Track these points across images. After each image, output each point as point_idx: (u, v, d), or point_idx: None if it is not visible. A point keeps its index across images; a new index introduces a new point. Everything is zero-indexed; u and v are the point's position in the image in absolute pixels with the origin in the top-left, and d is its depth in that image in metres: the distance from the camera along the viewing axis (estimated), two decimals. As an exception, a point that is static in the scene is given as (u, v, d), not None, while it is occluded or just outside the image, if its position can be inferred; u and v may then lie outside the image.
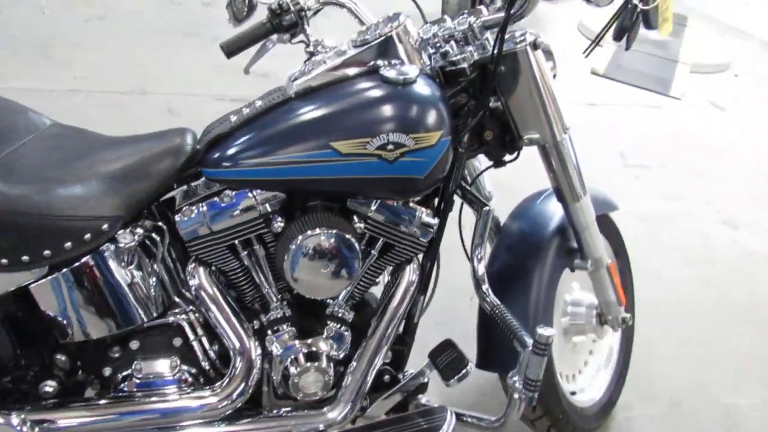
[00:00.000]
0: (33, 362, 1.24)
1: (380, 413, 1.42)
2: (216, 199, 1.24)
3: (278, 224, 1.26)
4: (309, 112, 1.21)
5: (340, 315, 1.38)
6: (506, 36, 1.26)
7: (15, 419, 1.11)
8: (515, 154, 1.44)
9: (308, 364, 1.31)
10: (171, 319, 1.31)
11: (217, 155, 1.21)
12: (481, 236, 1.42)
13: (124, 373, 1.29)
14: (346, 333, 1.38)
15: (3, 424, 1.11)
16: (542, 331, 1.19)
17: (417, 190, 1.29)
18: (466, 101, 1.37)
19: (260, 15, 1.50)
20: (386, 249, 1.39)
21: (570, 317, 1.72)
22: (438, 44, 1.36)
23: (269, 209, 1.26)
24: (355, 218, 1.30)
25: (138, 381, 1.29)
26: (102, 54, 3.73)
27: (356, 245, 1.24)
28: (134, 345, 1.30)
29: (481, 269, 1.41)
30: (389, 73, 1.22)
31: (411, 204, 1.37)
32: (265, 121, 1.23)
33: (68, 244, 1.12)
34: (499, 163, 1.48)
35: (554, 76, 1.49)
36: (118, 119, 3.09)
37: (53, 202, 1.11)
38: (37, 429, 1.14)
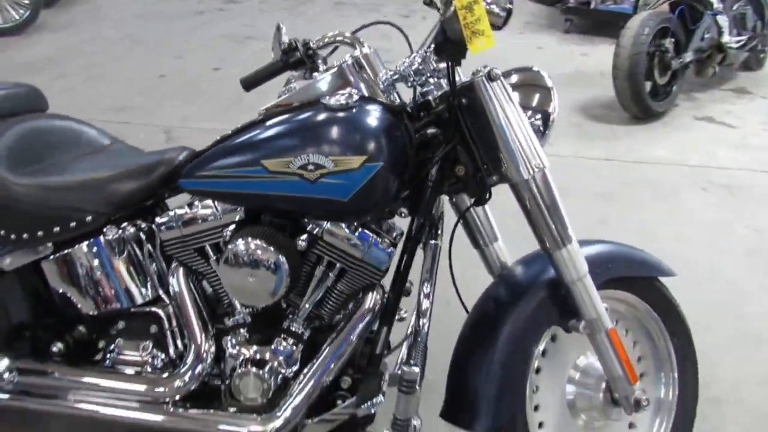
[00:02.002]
0: (48, 326, 1.54)
1: (317, 433, 1.42)
2: (186, 207, 1.43)
3: (227, 233, 1.39)
4: (253, 133, 1.33)
5: (293, 330, 1.44)
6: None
7: (4, 361, 1.40)
8: (486, 193, 1.36)
9: (249, 368, 1.39)
10: (152, 309, 1.51)
11: (188, 168, 1.40)
12: (428, 271, 1.36)
13: (109, 347, 1.52)
14: (295, 348, 1.43)
15: None
16: (407, 368, 1.10)
17: (343, 213, 1.31)
18: (434, 135, 1.36)
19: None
20: (343, 273, 1.42)
21: (577, 387, 1.50)
22: (410, 79, 1.38)
23: (226, 220, 1.40)
24: (303, 237, 1.37)
25: (116, 356, 1.50)
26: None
27: (281, 260, 1.30)
28: (120, 325, 1.52)
29: (425, 304, 1.35)
30: (328, 100, 1.29)
31: (368, 231, 1.39)
32: (227, 140, 1.38)
33: (56, 229, 1.40)
34: (478, 201, 1.41)
35: (549, 118, 1.40)
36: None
37: (50, 193, 1.40)
38: (17, 376, 1.42)
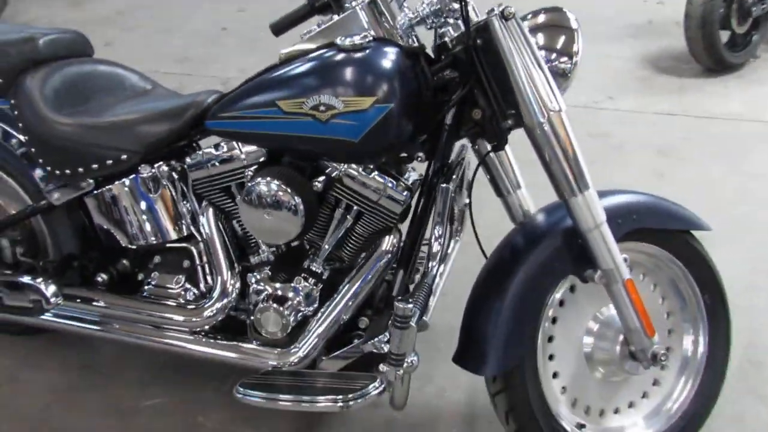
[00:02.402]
0: (93, 258, 1.66)
1: (332, 368, 1.47)
2: (213, 147, 1.49)
3: (249, 173, 1.44)
4: (270, 76, 1.36)
5: (313, 269, 1.49)
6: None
7: (41, 280, 1.54)
8: (503, 138, 1.34)
9: (270, 304, 1.45)
10: (185, 245, 1.60)
11: (213, 110, 1.45)
12: (440, 215, 1.36)
13: (147, 279, 1.62)
14: (314, 287, 1.48)
15: (30, 283, 1.54)
16: (401, 304, 1.12)
17: (355, 154, 1.33)
18: (452, 78, 1.35)
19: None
20: (360, 216, 1.45)
21: (595, 338, 1.48)
22: (428, 20, 1.36)
23: (250, 161, 1.45)
24: (320, 179, 1.40)
25: (153, 287, 1.61)
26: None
27: (297, 200, 1.34)
28: (156, 259, 1.62)
29: (436, 247, 1.36)
30: (342, 41, 1.30)
31: (381, 175, 1.41)
32: (249, 83, 1.42)
33: (95, 166, 1.49)
34: (496, 147, 1.39)
35: (572, 60, 1.35)
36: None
37: (88, 132, 1.49)
38: (63, 301, 1.55)
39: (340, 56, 1.29)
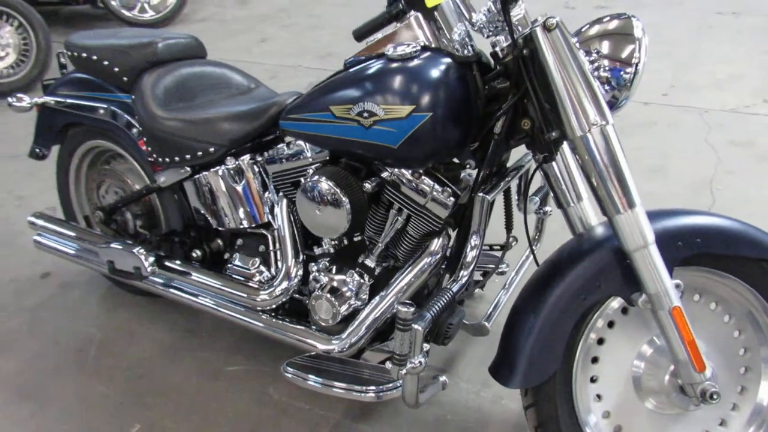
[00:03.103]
0: (190, 236, 1.89)
1: (374, 360, 1.55)
2: (285, 145, 1.62)
3: (310, 171, 1.55)
4: (330, 81, 1.45)
5: (367, 265, 1.58)
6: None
7: (143, 251, 1.78)
8: (551, 149, 1.31)
9: (324, 293, 1.57)
10: (263, 231, 1.76)
11: (285, 111, 1.58)
12: (477, 224, 1.37)
13: (230, 259, 1.82)
14: (366, 281, 1.57)
15: (133, 252, 1.79)
16: (402, 308, 1.15)
17: (395, 158, 1.37)
18: (504, 87, 1.35)
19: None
20: (410, 217, 1.50)
21: (647, 364, 1.39)
22: (484, 30, 1.36)
23: (314, 160, 1.56)
24: (371, 180, 1.48)
25: (234, 267, 1.80)
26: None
27: (344, 200, 1.43)
28: (239, 242, 1.81)
29: (470, 256, 1.36)
30: (392, 51, 1.35)
31: (430, 180, 1.44)
32: (315, 88, 1.53)
33: (187, 156, 1.70)
34: (546, 158, 1.37)
35: (634, 66, 1.29)
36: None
37: (183, 126, 1.70)
38: (150, 264, 1.78)
39: (386, 65, 1.34)
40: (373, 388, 1.42)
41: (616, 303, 1.38)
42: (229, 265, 1.81)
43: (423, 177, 1.44)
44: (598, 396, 1.42)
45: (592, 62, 1.31)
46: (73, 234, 2.03)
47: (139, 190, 1.93)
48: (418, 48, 1.34)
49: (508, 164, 1.56)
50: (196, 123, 1.69)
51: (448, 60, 1.34)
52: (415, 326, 1.19)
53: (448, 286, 1.33)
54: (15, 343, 2.12)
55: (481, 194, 1.37)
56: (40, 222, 2.09)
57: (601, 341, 1.41)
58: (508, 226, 1.61)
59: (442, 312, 1.27)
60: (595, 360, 1.41)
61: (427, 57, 1.34)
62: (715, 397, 1.28)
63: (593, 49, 1.33)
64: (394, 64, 1.34)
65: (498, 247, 1.79)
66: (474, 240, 1.38)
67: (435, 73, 1.31)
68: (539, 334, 1.31)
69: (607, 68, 1.31)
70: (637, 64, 1.29)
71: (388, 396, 1.40)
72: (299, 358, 1.55)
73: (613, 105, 1.35)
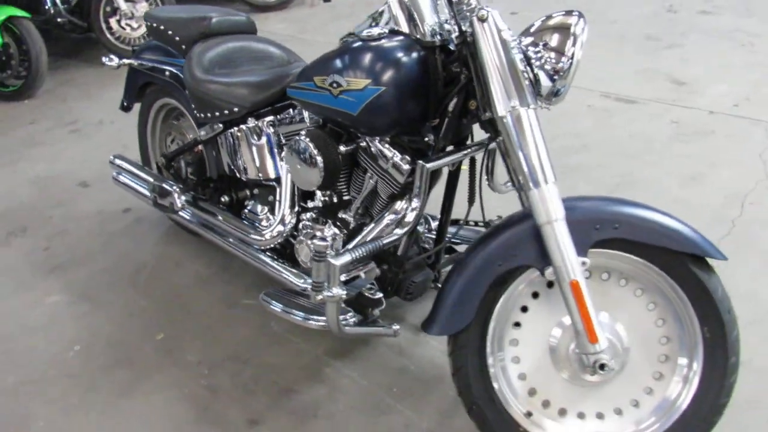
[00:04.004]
0: (220, 183, 2.24)
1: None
2: (292, 109, 1.90)
3: (303, 132, 1.81)
4: (319, 57, 1.69)
5: (344, 218, 1.82)
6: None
7: (177, 189, 2.14)
8: (486, 128, 1.47)
9: (304, 239, 1.83)
10: (274, 184, 2.05)
11: (292, 80, 1.85)
12: (416, 188, 1.56)
13: (247, 206, 2.13)
14: (339, 233, 1.81)
15: (169, 190, 2.15)
16: (318, 242, 1.38)
17: (356, 124, 1.59)
18: (458, 70, 1.53)
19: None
20: (378, 180, 1.72)
21: (563, 335, 1.51)
22: (450, 17, 1.54)
23: (310, 123, 1.82)
24: (345, 144, 1.71)
25: (249, 213, 2.11)
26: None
27: (318, 159, 1.68)
28: (255, 191, 2.12)
29: (410, 216, 1.57)
30: (359, 31, 1.57)
31: (394, 148, 1.65)
32: (310, 62, 1.77)
33: (217, 113, 2.03)
34: (490, 138, 1.53)
35: (569, 58, 1.41)
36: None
37: (215, 88, 2.02)
38: (181, 202, 2.14)
39: (355, 44, 1.57)
40: (314, 317, 1.66)
41: (537, 275, 1.50)
42: (245, 211, 2.13)
43: (387, 145, 1.65)
44: (517, 358, 1.56)
45: (537, 52, 1.44)
46: (137, 173, 2.45)
47: (188, 142, 2.30)
48: (386, 32, 1.55)
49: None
50: (226, 86, 2.01)
51: (410, 43, 1.53)
52: (331, 260, 1.42)
53: (379, 238, 1.54)
54: (90, 258, 2.59)
55: (421, 162, 1.55)
56: (117, 162, 2.54)
57: (525, 309, 1.54)
58: (470, 200, 1.77)
59: (364, 258, 1.49)
60: (517, 324, 1.55)
61: (391, 39, 1.54)
62: (605, 368, 1.38)
63: (541, 40, 1.46)
64: (361, 44, 1.55)
65: (482, 224, 1.94)
66: (414, 203, 1.56)
67: (394, 53, 1.51)
68: (458, 290, 1.48)
69: (552, 59, 1.44)
70: (571, 57, 1.41)
71: (313, 324, 1.65)
72: (274, 288, 1.83)
73: (557, 93, 1.47)
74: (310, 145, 1.69)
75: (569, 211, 1.41)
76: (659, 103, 3.45)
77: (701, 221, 2.24)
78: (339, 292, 1.46)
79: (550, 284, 1.52)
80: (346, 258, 1.45)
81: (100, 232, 2.77)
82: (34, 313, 2.32)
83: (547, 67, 1.43)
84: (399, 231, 1.57)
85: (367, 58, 1.53)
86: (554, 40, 1.44)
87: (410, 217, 1.57)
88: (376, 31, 1.55)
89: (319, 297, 1.47)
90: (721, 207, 2.51)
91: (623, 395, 1.52)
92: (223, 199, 2.21)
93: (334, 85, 1.58)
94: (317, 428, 1.77)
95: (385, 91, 1.50)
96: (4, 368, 2.07)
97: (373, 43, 1.54)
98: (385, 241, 1.54)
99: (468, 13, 1.45)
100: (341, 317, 1.60)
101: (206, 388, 1.93)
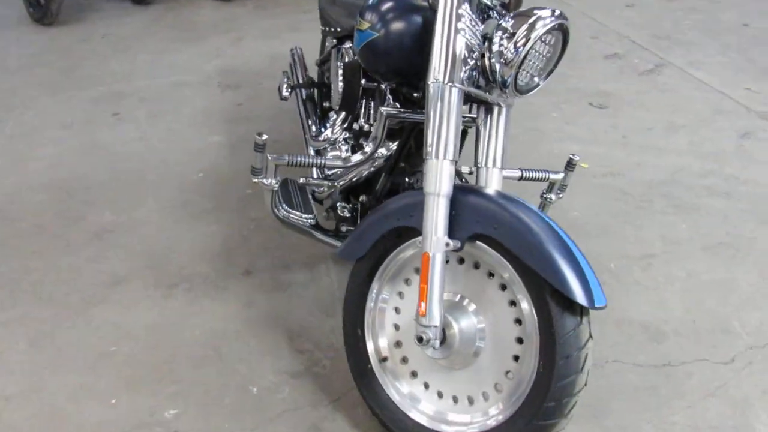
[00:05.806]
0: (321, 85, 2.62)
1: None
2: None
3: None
4: None
5: (346, 137, 2.13)
6: None
7: (287, 79, 2.59)
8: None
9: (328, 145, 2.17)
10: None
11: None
12: (374, 130, 1.74)
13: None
14: (344, 146, 2.13)
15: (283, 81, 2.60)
16: (258, 137, 1.66)
17: (360, 58, 1.78)
18: None
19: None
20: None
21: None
22: None
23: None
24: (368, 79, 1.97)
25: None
26: None
27: (339, 82, 1.97)
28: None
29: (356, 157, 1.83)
30: None
31: (389, 94, 1.86)
32: None
33: (329, 29, 2.36)
34: None
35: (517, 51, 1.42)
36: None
37: (332, 9, 2.33)
38: (288, 92, 2.57)
39: None
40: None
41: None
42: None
43: (388, 90, 1.83)
44: (398, 309, 1.67)
45: (500, 39, 1.45)
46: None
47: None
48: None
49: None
50: (337, 6, 2.33)
51: (415, 2, 1.65)
52: (268, 155, 1.71)
53: (318, 158, 1.81)
54: (266, 120, 3.25)
55: (381, 107, 1.70)
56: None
57: (418, 271, 1.61)
58: None
59: (298, 164, 1.75)
60: (407, 281, 1.65)
61: None
62: (423, 341, 1.44)
63: (509, 29, 1.45)
64: None
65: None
66: (368, 146, 1.77)
67: (396, 7, 1.64)
68: (362, 227, 1.64)
69: (505, 48, 1.44)
70: (517, 49, 1.39)
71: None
72: (291, 179, 2.16)
73: (505, 83, 1.46)
74: (341, 68, 1.96)
75: (460, 196, 1.45)
76: None
77: None
78: (273, 182, 1.78)
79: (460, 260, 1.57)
80: (283, 159, 1.74)
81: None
82: (196, 145, 3.08)
83: (505, 55, 1.44)
84: (340, 164, 1.81)
85: (374, 7, 1.68)
86: (514, 28, 1.44)
87: (356, 158, 1.79)
88: None
89: (255, 180, 1.79)
90: None
91: (487, 380, 1.53)
92: (314, 100, 2.59)
93: (358, 21, 1.79)
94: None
95: (378, 37, 1.66)
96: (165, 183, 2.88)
97: None
98: (319, 161, 1.81)
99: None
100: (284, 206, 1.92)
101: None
